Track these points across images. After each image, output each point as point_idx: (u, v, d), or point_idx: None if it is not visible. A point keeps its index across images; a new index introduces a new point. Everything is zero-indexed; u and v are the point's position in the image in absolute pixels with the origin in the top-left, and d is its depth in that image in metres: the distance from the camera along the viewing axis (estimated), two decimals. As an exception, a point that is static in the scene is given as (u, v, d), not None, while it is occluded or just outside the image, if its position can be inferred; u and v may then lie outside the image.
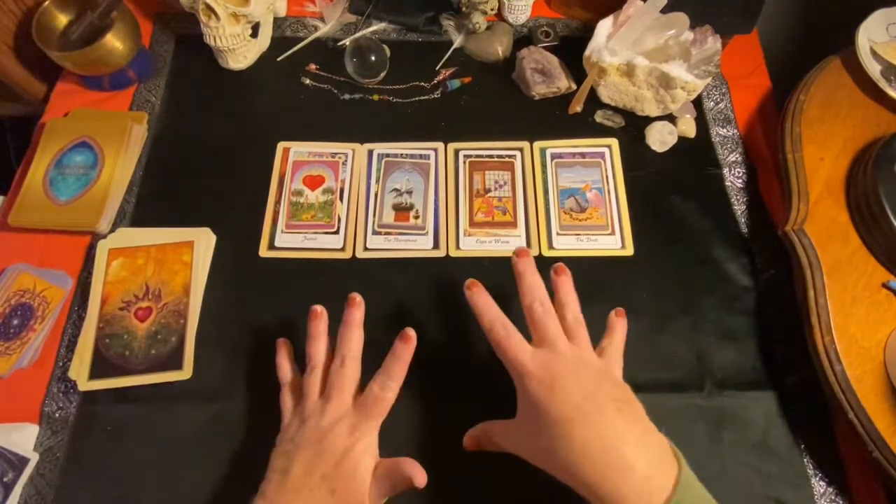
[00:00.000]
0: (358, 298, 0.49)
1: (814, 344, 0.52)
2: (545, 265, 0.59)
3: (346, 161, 0.65)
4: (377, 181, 0.64)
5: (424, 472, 0.43)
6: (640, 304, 0.58)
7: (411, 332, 0.47)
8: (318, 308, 0.50)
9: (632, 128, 0.68)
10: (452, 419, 0.52)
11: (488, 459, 0.50)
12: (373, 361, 0.55)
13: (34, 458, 0.50)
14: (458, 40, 0.72)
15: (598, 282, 0.59)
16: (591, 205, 0.63)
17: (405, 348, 0.46)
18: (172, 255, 0.58)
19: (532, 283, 0.46)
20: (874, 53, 0.64)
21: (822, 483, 0.51)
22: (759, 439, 0.52)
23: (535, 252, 0.60)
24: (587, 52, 0.66)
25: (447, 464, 0.51)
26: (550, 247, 0.61)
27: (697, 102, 0.69)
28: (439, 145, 0.66)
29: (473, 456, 0.51)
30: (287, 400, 0.49)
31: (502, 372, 0.53)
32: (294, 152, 0.66)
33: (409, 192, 0.63)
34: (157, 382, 0.53)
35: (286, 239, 0.60)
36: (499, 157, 0.66)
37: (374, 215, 0.62)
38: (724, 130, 0.69)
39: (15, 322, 0.55)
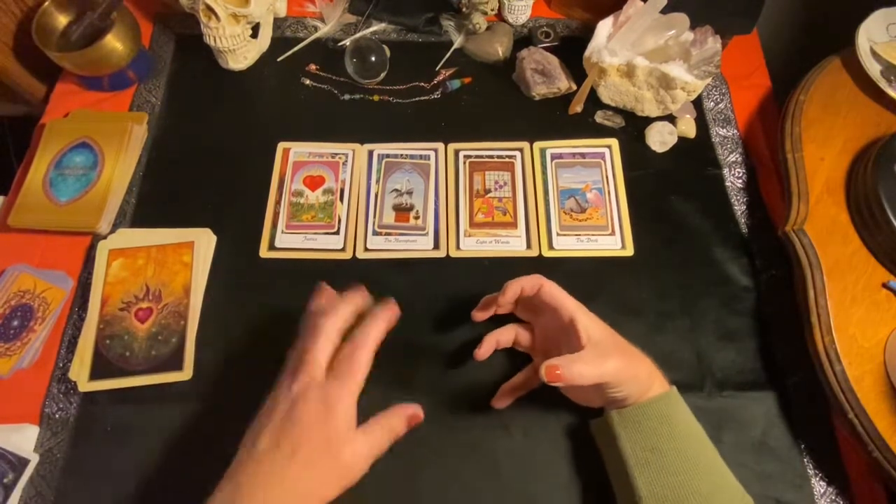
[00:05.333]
0: (394, 308, 0.44)
1: (814, 344, 0.52)
2: (545, 265, 0.60)
3: (346, 161, 0.65)
4: (377, 181, 0.64)
5: (417, 410, 0.42)
6: (640, 304, 0.58)
7: (394, 305, 0.44)
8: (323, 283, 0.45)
9: (632, 128, 0.68)
10: (452, 419, 0.53)
11: (481, 459, 0.51)
12: (376, 360, 0.55)
13: (34, 459, 0.50)
14: (458, 41, 0.72)
15: (598, 282, 0.59)
16: (591, 205, 0.63)
17: (385, 314, 0.43)
18: (173, 256, 0.58)
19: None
20: (874, 53, 0.64)
21: (822, 483, 0.51)
22: (759, 439, 0.52)
23: (535, 252, 0.60)
24: (587, 53, 0.66)
25: (444, 462, 0.51)
26: (550, 247, 0.61)
27: (697, 103, 0.69)
28: (439, 146, 0.66)
29: (468, 456, 0.51)
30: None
31: (502, 373, 0.54)
32: (294, 153, 0.66)
33: (410, 193, 0.63)
34: (158, 383, 0.53)
35: (286, 239, 0.60)
36: (499, 157, 0.66)
37: (375, 216, 0.62)
38: (724, 130, 0.69)
39: (15, 323, 0.55)
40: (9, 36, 0.68)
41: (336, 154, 0.66)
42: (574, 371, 0.42)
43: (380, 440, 0.40)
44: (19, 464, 0.49)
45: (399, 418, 0.41)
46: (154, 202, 0.63)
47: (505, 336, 0.52)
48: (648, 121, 0.67)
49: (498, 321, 0.53)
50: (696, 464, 0.44)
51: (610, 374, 0.43)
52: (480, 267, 0.60)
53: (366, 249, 0.60)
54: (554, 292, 0.48)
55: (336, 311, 0.42)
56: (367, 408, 0.52)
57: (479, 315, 0.52)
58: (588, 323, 0.47)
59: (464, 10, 0.72)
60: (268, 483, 0.36)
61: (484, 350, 0.50)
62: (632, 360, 0.45)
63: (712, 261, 0.61)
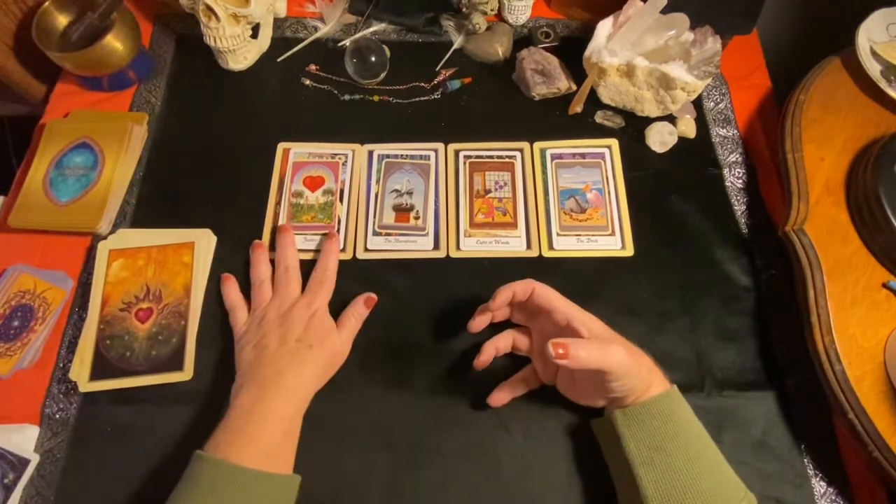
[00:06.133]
0: (288, 226, 0.59)
1: (814, 344, 0.52)
2: (545, 266, 0.60)
3: (346, 162, 0.65)
4: (377, 182, 0.64)
5: (370, 294, 0.55)
6: (640, 304, 0.58)
7: (334, 232, 0.59)
8: (259, 241, 0.59)
9: (632, 128, 0.68)
10: (452, 419, 0.53)
11: (481, 459, 0.51)
12: (377, 360, 0.55)
13: (35, 459, 0.50)
14: (458, 41, 0.72)
15: (598, 282, 0.59)
16: (592, 205, 0.63)
17: (331, 244, 0.58)
18: (173, 256, 0.58)
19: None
20: (874, 53, 0.64)
21: (822, 483, 0.51)
22: (759, 439, 0.52)
23: (535, 253, 0.60)
24: (587, 53, 0.66)
25: (444, 462, 0.51)
26: (550, 247, 0.61)
27: (697, 103, 0.69)
28: (439, 146, 0.66)
29: (468, 456, 0.51)
30: (240, 315, 0.54)
31: (502, 373, 0.54)
32: (294, 153, 0.66)
33: (410, 193, 0.63)
34: (158, 384, 0.53)
35: (286, 240, 0.60)
36: (499, 157, 0.66)
37: (375, 216, 0.62)
38: (724, 131, 0.69)
39: (15, 323, 0.55)
40: (9, 36, 0.68)
41: (336, 154, 0.66)
42: (580, 351, 0.42)
43: (353, 326, 0.54)
44: (20, 464, 0.49)
45: (359, 306, 0.55)
46: (154, 202, 0.63)
47: (503, 342, 0.52)
48: (648, 121, 0.68)
49: (496, 328, 0.53)
50: (699, 462, 0.44)
51: (616, 361, 0.43)
52: (480, 267, 0.60)
53: (366, 250, 0.60)
54: (547, 294, 0.48)
55: (290, 258, 0.58)
56: (370, 406, 0.53)
57: (476, 325, 0.51)
58: (585, 319, 0.47)
59: (464, 10, 0.72)
60: (291, 369, 0.48)
61: (483, 359, 0.51)
62: (633, 354, 0.46)
63: (712, 261, 0.61)
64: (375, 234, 0.61)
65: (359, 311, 0.54)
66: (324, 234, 0.60)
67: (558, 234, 0.61)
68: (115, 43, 0.64)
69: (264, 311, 0.53)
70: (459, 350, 0.55)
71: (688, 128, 0.67)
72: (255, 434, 0.45)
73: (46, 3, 0.65)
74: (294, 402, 0.48)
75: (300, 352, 0.49)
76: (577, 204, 0.63)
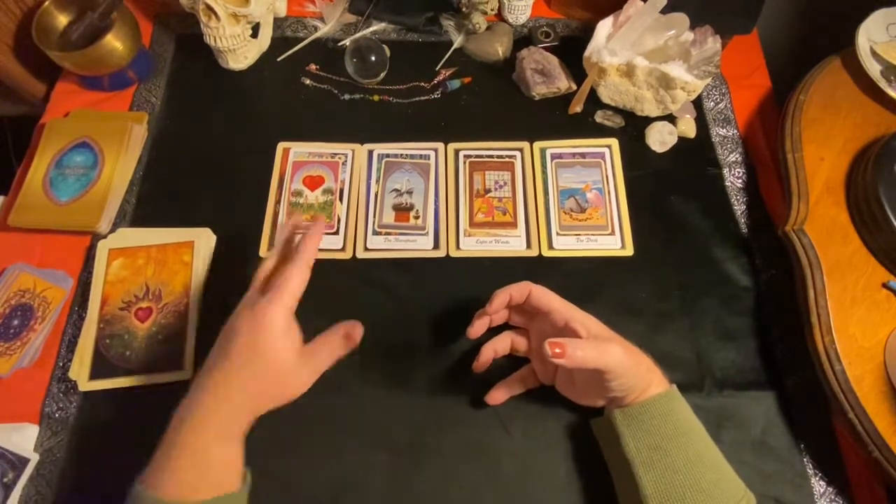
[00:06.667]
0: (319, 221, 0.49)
1: (814, 344, 0.52)
2: (545, 266, 0.60)
3: (345, 161, 0.65)
4: (377, 181, 0.64)
5: (356, 323, 0.46)
6: (640, 304, 0.58)
7: (320, 217, 0.51)
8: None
9: (632, 128, 0.68)
10: (452, 419, 0.53)
11: (481, 459, 0.51)
12: (376, 360, 0.55)
13: (34, 458, 0.50)
14: (458, 40, 0.73)
15: (598, 282, 0.59)
16: (591, 205, 0.63)
17: (316, 228, 0.47)
18: (173, 256, 0.58)
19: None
20: (874, 53, 0.64)
21: (822, 483, 0.51)
22: (758, 439, 0.52)
23: (534, 252, 0.60)
24: (587, 53, 0.66)
25: (444, 462, 0.51)
26: (550, 247, 0.61)
27: (697, 102, 0.69)
28: (439, 145, 0.66)
29: (468, 456, 0.51)
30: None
31: (502, 373, 0.53)
32: (294, 152, 0.66)
33: (410, 193, 0.63)
34: (158, 383, 0.53)
35: (286, 239, 0.60)
36: (499, 157, 0.66)
37: (375, 215, 0.62)
38: (724, 130, 0.69)
39: (15, 322, 0.55)
40: (9, 36, 0.68)
41: (336, 154, 0.66)
42: (577, 350, 0.42)
43: (322, 362, 0.45)
44: (19, 463, 0.49)
45: (335, 342, 0.45)
46: (154, 202, 0.63)
47: (501, 344, 0.52)
48: (648, 121, 0.68)
49: (494, 331, 0.53)
50: (698, 461, 0.44)
51: (613, 360, 0.43)
52: (480, 267, 0.60)
53: (366, 249, 0.60)
54: (544, 296, 0.48)
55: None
56: (369, 406, 0.53)
57: (474, 331, 0.50)
58: (583, 319, 0.47)
59: (464, 9, 0.72)
60: (218, 383, 0.42)
61: (482, 361, 0.51)
62: (631, 353, 0.46)
63: (712, 261, 0.61)
64: (375, 233, 0.61)
65: (333, 348, 0.45)
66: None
67: (558, 234, 0.61)
68: (115, 43, 0.64)
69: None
70: (459, 350, 0.55)
71: (688, 127, 0.67)
72: (176, 466, 0.41)
73: (46, 3, 0.65)
74: (207, 437, 0.41)
75: (229, 376, 0.42)
76: (577, 203, 0.63)
